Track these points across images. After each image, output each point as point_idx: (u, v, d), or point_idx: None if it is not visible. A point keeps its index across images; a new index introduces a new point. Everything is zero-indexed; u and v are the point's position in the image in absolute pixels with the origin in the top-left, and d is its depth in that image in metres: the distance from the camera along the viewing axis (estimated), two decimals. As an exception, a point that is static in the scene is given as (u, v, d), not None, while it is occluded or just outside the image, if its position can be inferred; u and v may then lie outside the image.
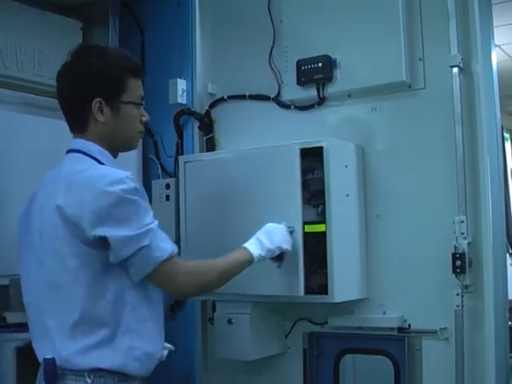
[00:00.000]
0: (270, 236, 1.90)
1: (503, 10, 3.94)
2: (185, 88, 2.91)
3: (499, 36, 3.87)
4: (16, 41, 2.67)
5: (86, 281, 1.56)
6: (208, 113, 2.92)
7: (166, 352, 1.86)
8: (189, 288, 1.68)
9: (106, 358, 1.57)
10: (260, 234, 1.90)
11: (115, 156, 1.73)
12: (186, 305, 2.85)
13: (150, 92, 2.94)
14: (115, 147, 1.71)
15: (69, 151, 1.70)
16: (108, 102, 1.65)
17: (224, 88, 2.89)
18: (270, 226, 1.94)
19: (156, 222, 1.60)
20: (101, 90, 1.65)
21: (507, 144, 6.10)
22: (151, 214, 1.60)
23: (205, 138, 2.90)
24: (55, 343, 1.58)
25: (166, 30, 3.01)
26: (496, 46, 2.71)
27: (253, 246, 1.84)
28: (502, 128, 5.20)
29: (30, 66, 2.63)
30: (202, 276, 1.69)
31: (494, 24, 2.56)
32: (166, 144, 2.99)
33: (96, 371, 1.57)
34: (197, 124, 2.92)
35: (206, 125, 2.90)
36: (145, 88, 2.96)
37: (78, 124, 1.68)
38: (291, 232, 2.18)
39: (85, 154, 1.65)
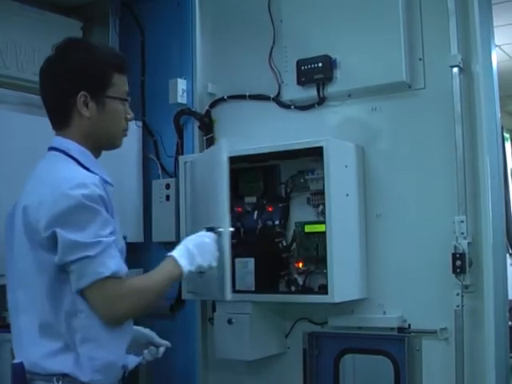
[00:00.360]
0: (201, 249, 1.70)
1: (503, 9, 3.94)
2: (185, 88, 2.91)
3: (499, 36, 3.87)
4: (16, 41, 2.67)
5: (43, 285, 1.52)
6: (208, 113, 2.92)
7: (162, 349, 1.83)
8: (125, 314, 1.54)
9: (72, 366, 1.51)
10: (192, 246, 1.69)
11: (97, 155, 1.66)
12: (186, 305, 2.86)
13: (150, 92, 3.05)
14: (98, 145, 1.65)
15: (50, 149, 1.65)
16: (93, 96, 1.60)
17: (224, 88, 2.89)
18: (202, 236, 1.76)
19: (112, 238, 1.51)
20: (86, 83, 1.60)
21: (507, 144, 6.10)
22: (110, 227, 1.52)
23: (205, 138, 2.91)
24: (24, 345, 1.55)
25: (166, 30, 3.01)
26: (496, 46, 2.71)
27: (183, 260, 1.65)
28: (502, 128, 5.19)
29: (30, 66, 2.62)
30: (142, 299, 1.55)
31: (494, 24, 2.58)
32: (166, 144, 2.99)
33: (65, 376, 1.51)
34: (197, 124, 2.93)
35: (206, 125, 2.91)
36: (145, 88, 3.06)
37: (61, 120, 1.63)
38: (219, 233, 1.97)
39: (64, 153, 1.60)
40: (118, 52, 1.73)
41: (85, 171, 1.56)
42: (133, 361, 1.67)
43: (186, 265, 1.65)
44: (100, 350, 1.53)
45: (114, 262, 1.51)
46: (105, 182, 1.58)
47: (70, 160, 1.59)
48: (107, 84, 1.62)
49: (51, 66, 1.63)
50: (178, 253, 1.67)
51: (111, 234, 1.53)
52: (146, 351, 1.83)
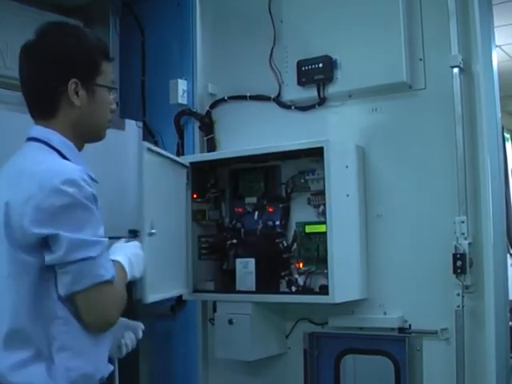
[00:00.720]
0: (137, 260, 1.63)
1: (503, 10, 3.94)
2: (185, 88, 2.91)
3: (500, 36, 3.86)
4: (16, 41, 2.66)
5: (19, 290, 1.38)
6: (208, 113, 2.93)
7: (140, 331, 1.74)
8: (114, 321, 1.45)
9: (44, 378, 1.37)
10: (131, 255, 1.62)
11: (80, 148, 1.56)
12: (187, 305, 2.87)
13: (150, 92, 3.05)
14: (84, 136, 1.55)
15: (29, 139, 1.53)
16: (84, 83, 1.50)
17: (224, 88, 2.89)
18: (136, 246, 1.69)
19: (106, 239, 1.43)
20: (77, 70, 1.49)
21: (508, 144, 6.09)
22: (102, 228, 1.43)
23: (205, 139, 2.91)
24: None
25: (167, 30, 3.01)
26: (496, 46, 2.72)
27: (128, 269, 1.59)
28: (503, 128, 5.18)
29: (31, 67, 2.63)
30: (123, 304, 1.47)
31: (495, 24, 2.59)
32: (166, 144, 2.98)
33: None
34: (197, 124, 2.93)
35: (207, 125, 2.91)
36: (145, 88, 3.07)
37: (47, 108, 1.50)
38: (136, 237, 1.88)
39: (46, 143, 1.48)
40: (100, 38, 1.61)
41: (73, 164, 1.45)
42: (107, 370, 1.54)
43: (130, 273, 1.59)
44: (78, 360, 1.41)
45: (111, 265, 1.44)
46: (90, 178, 1.48)
47: (54, 152, 1.48)
48: (97, 71, 1.53)
49: (36, 51, 1.51)
50: (123, 260, 1.58)
51: (102, 235, 1.44)
52: (123, 340, 1.71)
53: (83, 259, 1.36)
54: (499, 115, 2.50)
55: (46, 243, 1.37)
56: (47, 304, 1.39)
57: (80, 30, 1.58)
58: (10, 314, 1.38)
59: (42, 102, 1.52)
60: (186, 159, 2.67)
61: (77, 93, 1.49)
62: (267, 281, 2.52)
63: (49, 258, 1.37)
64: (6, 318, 1.38)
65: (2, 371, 1.37)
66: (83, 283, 1.37)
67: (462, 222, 2.28)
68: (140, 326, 1.75)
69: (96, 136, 1.59)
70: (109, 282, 1.40)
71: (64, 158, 1.48)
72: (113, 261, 1.51)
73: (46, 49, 1.50)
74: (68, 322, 1.40)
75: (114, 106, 1.60)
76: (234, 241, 2.65)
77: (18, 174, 1.43)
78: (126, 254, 1.61)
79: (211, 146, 2.90)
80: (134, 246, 1.68)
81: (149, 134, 3.02)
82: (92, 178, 1.48)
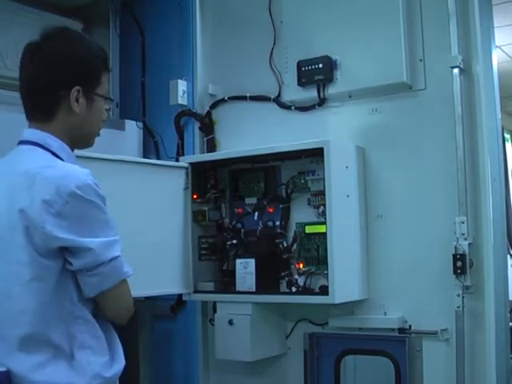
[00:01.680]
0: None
1: (504, 10, 3.94)
2: (185, 89, 2.91)
3: (500, 37, 3.87)
4: (17, 42, 2.66)
5: (37, 295, 1.40)
6: (209, 114, 2.92)
7: None
8: (133, 309, 1.52)
9: (65, 374, 1.40)
10: None
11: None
12: (187, 306, 2.86)
13: (150, 93, 3.05)
14: (76, 143, 1.57)
15: (23, 142, 1.54)
16: (85, 92, 1.52)
17: (225, 89, 2.89)
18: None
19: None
20: (82, 78, 1.52)
21: (508, 145, 6.10)
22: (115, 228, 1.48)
23: (205, 139, 2.91)
24: (8, 356, 1.40)
25: (167, 31, 3.00)
26: (496, 46, 2.73)
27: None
28: (503, 129, 5.20)
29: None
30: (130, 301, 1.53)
31: (495, 25, 2.58)
32: (166, 145, 2.98)
33: None
34: (197, 125, 2.93)
35: (207, 126, 2.91)
36: (145, 89, 3.04)
37: (45, 112, 1.51)
38: None
39: (44, 148, 1.49)
40: (102, 47, 1.63)
41: (81, 168, 1.47)
42: (123, 364, 1.55)
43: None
44: (97, 356, 1.45)
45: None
46: None
47: (53, 156, 1.49)
48: (98, 81, 1.56)
49: (45, 52, 1.51)
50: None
51: None
52: None
53: (111, 259, 1.42)
54: (499, 116, 2.50)
55: (66, 248, 1.41)
56: (67, 306, 1.43)
57: (86, 37, 1.61)
58: (31, 317, 1.40)
59: (42, 105, 1.53)
60: (186, 160, 2.67)
61: (77, 100, 1.51)
62: (267, 281, 2.52)
63: (78, 263, 1.41)
64: (25, 322, 1.40)
65: (22, 373, 1.39)
66: (111, 282, 1.43)
67: (462, 223, 2.28)
68: None
69: (86, 143, 1.62)
70: (127, 278, 1.47)
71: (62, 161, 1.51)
72: None
73: (55, 52, 1.51)
74: (86, 322, 1.44)
75: (105, 116, 1.63)
76: (234, 241, 2.65)
77: (26, 178, 1.43)
78: None
79: (211, 146, 2.89)
80: None
81: (149, 135, 3.02)
82: None
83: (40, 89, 1.52)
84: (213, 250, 2.69)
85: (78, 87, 1.51)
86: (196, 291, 2.62)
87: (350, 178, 2.45)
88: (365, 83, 2.50)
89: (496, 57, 2.51)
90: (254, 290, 2.48)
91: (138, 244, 2.30)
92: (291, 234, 2.59)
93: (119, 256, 1.44)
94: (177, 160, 2.83)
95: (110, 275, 1.43)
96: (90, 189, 1.42)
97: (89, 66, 1.54)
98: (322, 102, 2.62)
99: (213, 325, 2.72)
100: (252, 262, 2.49)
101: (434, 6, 2.41)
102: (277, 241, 2.58)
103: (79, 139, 1.57)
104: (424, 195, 2.41)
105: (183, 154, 2.88)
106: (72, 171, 1.44)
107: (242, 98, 2.83)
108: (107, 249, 1.42)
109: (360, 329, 2.50)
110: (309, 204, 2.55)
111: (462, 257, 2.25)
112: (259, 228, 2.63)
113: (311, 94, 2.61)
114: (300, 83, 2.61)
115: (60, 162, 1.48)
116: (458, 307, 2.27)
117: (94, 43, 1.59)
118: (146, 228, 2.40)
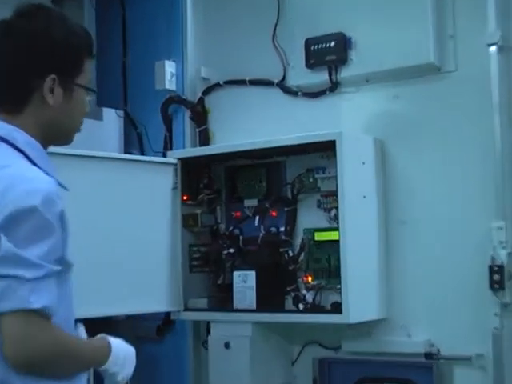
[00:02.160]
0: (124, 362, 1.51)
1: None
2: (174, 72, 2.81)
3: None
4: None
5: None
6: (201, 101, 2.83)
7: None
8: (37, 363, 1.32)
9: None
10: (126, 354, 1.50)
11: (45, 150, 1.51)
12: (176, 326, 2.77)
13: (133, 76, 2.89)
14: (50, 139, 1.47)
15: None
16: (62, 81, 1.42)
17: (220, 72, 2.80)
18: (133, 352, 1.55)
19: (58, 268, 1.32)
20: (59, 66, 1.41)
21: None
22: (59, 254, 1.34)
23: (197, 131, 2.82)
24: None
25: (152, 4, 2.90)
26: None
27: (112, 359, 1.46)
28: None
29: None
30: (61, 356, 1.34)
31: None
32: (151, 137, 2.87)
33: None
34: (188, 114, 2.84)
35: (199, 115, 2.81)
36: (127, 71, 2.98)
37: (14, 102, 1.42)
38: None
39: (8, 143, 1.39)
40: (86, 29, 1.54)
41: (44, 175, 1.38)
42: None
43: (110, 363, 1.43)
44: None
45: (49, 297, 1.30)
46: (60, 185, 1.42)
47: (18, 153, 1.40)
48: (79, 69, 1.46)
49: (17, 31, 1.42)
50: (115, 347, 1.43)
51: (57, 262, 1.34)
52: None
53: (14, 276, 1.28)
54: (544, 101, 2.42)
55: None
56: None
57: (67, 19, 1.48)
58: None
59: (10, 94, 1.44)
60: (175, 155, 2.61)
61: (52, 90, 1.41)
62: (270, 297, 2.46)
63: None
64: None
65: None
66: (7, 305, 1.28)
67: (500, 229, 2.20)
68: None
69: (64, 140, 1.52)
70: (39, 312, 1.28)
71: (30, 161, 1.41)
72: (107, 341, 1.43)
73: (29, 33, 1.41)
74: None
75: (88, 109, 1.53)
76: (231, 250, 2.58)
77: None
78: (123, 350, 1.49)
79: (204, 139, 2.80)
80: (131, 351, 1.54)
81: (131, 125, 2.90)
82: (61, 185, 1.43)
83: (9, 74, 1.43)
84: (206, 261, 2.64)
85: (53, 75, 1.40)
86: (186, 309, 2.56)
87: (367, 175, 2.39)
88: (384, 65, 2.42)
89: (541, 32, 2.41)
90: (254, 307, 2.42)
91: (118, 254, 2.27)
92: (298, 242, 2.54)
93: (29, 280, 1.27)
94: (164, 155, 2.75)
95: (7, 295, 1.28)
96: (47, 202, 1.32)
97: (69, 51, 1.44)
98: (333, 86, 2.54)
99: (206, 348, 2.63)
100: (252, 274, 2.45)
101: (468, -27, 2.36)
102: (281, 250, 2.52)
103: (55, 135, 1.48)
104: (455, 196, 2.34)
105: (171, 149, 2.81)
106: (30, 175, 1.37)
107: (241, 82, 2.74)
108: (15, 264, 1.29)
109: (379, 353, 2.43)
110: (318, 206, 2.48)
111: (500, 268, 2.18)
112: (260, 235, 2.57)
113: (321, 77, 2.53)
114: (308, 65, 2.54)
115: (24, 163, 1.39)
116: (496, 328, 2.19)
117: (76, 26, 1.48)
118: (127, 236, 2.35)
